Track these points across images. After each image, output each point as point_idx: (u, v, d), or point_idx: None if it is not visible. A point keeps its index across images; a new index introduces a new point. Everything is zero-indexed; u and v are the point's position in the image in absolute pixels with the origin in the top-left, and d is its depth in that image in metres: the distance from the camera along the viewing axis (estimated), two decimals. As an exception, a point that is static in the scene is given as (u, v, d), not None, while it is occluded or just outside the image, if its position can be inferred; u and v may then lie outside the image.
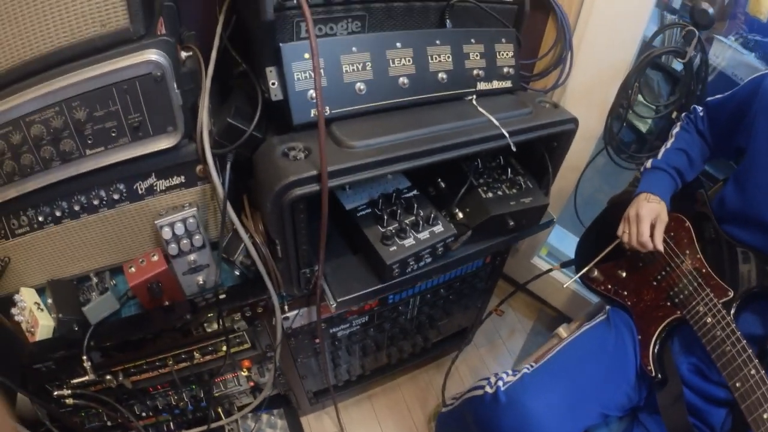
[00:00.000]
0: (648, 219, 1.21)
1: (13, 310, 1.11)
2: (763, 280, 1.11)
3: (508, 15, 1.24)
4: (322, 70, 0.99)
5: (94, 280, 1.17)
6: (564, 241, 2.09)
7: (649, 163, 1.33)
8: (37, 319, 1.10)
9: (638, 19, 1.47)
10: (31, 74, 0.93)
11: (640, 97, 1.56)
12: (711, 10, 1.51)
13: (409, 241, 1.08)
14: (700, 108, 1.36)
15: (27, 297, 1.12)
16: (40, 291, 1.17)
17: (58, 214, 1.09)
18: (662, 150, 1.35)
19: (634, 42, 1.51)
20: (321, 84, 0.91)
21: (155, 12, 1.10)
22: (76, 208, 1.10)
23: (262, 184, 0.99)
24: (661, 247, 1.21)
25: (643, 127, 1.76)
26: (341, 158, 0.95)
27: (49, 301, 1.12)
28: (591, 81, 1.57)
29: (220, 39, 1.14)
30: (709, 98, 1.33)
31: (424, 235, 1.10)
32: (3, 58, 0.92)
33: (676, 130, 1.38)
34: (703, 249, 1.24)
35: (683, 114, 1.40)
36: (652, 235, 1.22)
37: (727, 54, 1.62)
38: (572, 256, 1.58)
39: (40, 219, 1.09)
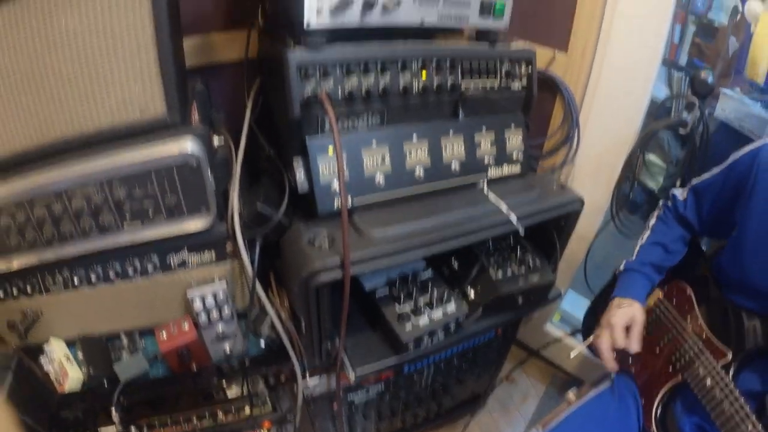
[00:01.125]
0: (620, 325, 1.22)
1: (42, 359, 1.16)
2: (761, 341, 1.14)
3: (517, 100, 1.32)
4: (344, 164, 1.07)
5: (125, 339, 1.24)
6: (577, 305, 2.09)
7: (622, 266, 1.34)
8: (66, 370, 1.15)
9: (642, 93, 1.54)
10: (73, 149, 1.01)
11: (651, 156, 1.61)
12: (710, 79, 1.57)
13: (423, 320, 1.15)
14: (680, 192, 1.35)
15: (57, 348, 1.18)
16: (69, 342, 1.22)
17: (92, 277, 1.16)
18: (637, 246, 1.36)
19: (638, 115, 1.57)
20: (344, 184, 0.99)
21: (189, 99, 1.19)
22: (111, 274, 1.17)
23: (290, 268, 1.07)
24: (637, 348, 1.22)
25: (654, 186, 1.79)
26: (362, 247, 1.03)
27: (80, 355, 1.18)
28: (598, 155, 1.63)
29: (248, 125, 1.24)
30: (695, 181, 1.33)
31: (437, 314, 1.17)
32: (47, 131, 0.99)
33: (652, 221, 1.39)
34: (704, 314, 1.27)
35: (661, 202, 1.41)
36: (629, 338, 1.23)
37: (733, 106, 1.64)
38: (585, 320, 1.61)
39: (75, 280, 1.16)
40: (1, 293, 1.16)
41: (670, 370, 1.27)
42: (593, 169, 1.65)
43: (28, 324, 1.20)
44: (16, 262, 1.09)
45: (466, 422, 1.96)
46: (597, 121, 1.58)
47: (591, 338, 1.44)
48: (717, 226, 1.31)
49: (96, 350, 1.21)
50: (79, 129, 1.01)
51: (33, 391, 1.15)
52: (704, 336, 1.23)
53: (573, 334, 1.71)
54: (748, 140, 1.60)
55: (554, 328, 2.04)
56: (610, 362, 1.24)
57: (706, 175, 1.30)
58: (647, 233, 1.36)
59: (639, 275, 1.30)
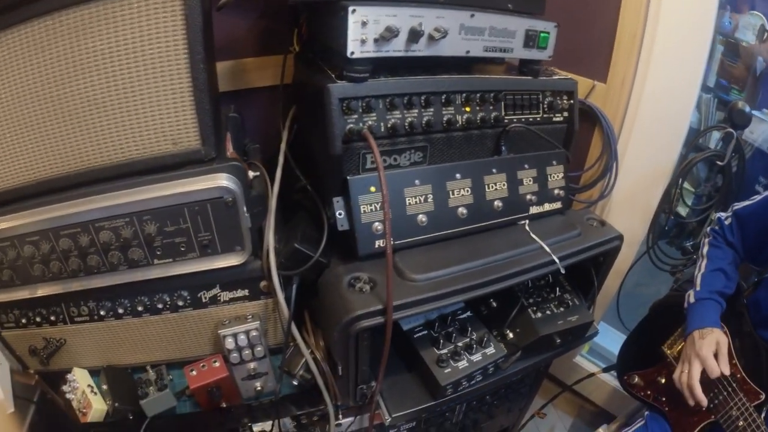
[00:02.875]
0: (710, 355, 1.17)
1: (65, 387, 1.14)
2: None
3: (558, 134, 1.29)
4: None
5: (151, 373, 1.21)
6: (607, 337, 2.05)
7: (691, 297, 1.29)
8: (90, 401, 1.13)
9: (681, 123, 1.52)
10: (102, 180, 0.98)
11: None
12: (747, 109, 1.54)
13: (462, 363, 1.12)
14: (725, 216, 1.33)
15: (80, 378, 1.16)
16: (93, 372, 1.20)
17: (120, 311, 1.14)
18: (698, 276, 1.31)
19: (677, 145, 1.54)
20: (390, 231, 0.95)
21: (223, 128, 1.15)
22: (139, 308, 1.14)
23: (329, 313, 1.03)
24: (727, 371, 1.17)
25: (682, 211, 1.76)
26: (404, 292, 1.00)
27: (104, 386, 1.16)
28: (635, 187, 1.60)
29: (284, 156, 1.20)
30: (737, 206, 1.30)
31: (476, 356, 1.14)
32: (74, 159, 0.96)
33: (705, 249, 1.34)
34: (739, 354, 1.24)
35: (708, 228, 1.37)
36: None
37: (762, 128, 1.61)
38: (615, 350, 1.58)
39: (102, 312, 1.14)
40: (23, 320, 1.15)
41: (704, 409, 1.24)
42: (630, 201, 1.62)
43: (50, 351, 1.19)
44: (41, 290, 1.07)
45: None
46: (635, 152, 1.55)
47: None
48: (755, 254, 1.29)
49: (121, 382, 1.19)
50: (108, 159, 0.97)
51: (56, 421, 1.12)
52: (738, 376, 1.21)
53: (606, 370, 1.66)
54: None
55: (584, 360, 2.00)
56: (701, 395, 1.19)
57: (747, 202, 1.29)
58: (704, 261, 1.33)
59: (710, 302, 1.26)
